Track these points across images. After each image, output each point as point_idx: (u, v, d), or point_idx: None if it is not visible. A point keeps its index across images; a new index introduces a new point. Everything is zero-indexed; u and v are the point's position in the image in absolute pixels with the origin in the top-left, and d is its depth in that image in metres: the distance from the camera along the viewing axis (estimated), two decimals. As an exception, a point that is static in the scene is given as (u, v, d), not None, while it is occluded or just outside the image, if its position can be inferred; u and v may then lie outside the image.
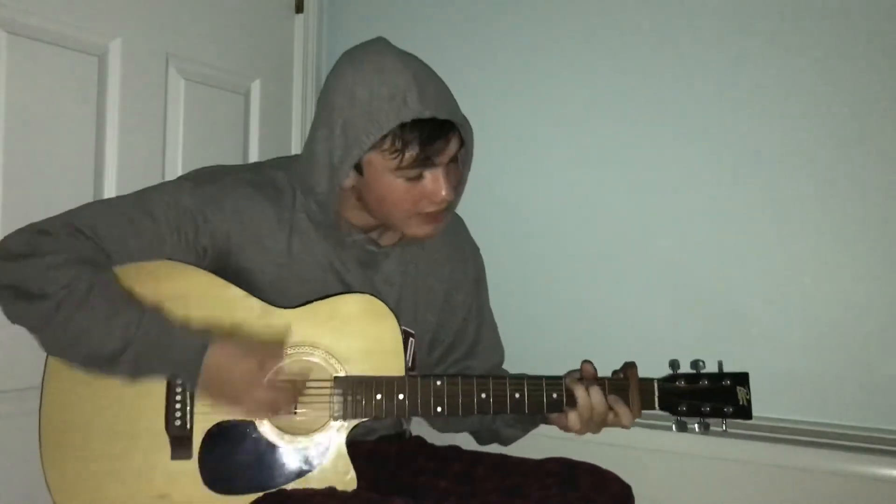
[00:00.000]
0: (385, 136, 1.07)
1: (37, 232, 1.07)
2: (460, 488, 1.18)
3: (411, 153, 1.07)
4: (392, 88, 1.06)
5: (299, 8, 1.89)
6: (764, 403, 1.47)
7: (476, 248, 1.40)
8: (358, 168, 1.12)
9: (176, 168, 1.58)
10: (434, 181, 1.11)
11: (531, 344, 1.64)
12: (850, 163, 1.44)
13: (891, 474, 1.33)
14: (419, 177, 1.11)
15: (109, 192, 1.44)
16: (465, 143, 1.16)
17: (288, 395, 1.09)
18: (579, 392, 1.14)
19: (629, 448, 1.46)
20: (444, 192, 1.11)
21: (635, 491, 1.14)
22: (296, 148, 1.89)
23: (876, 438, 1.40)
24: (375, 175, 1.11)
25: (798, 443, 1.42)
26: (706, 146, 1.55)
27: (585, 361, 1.21)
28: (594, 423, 1.15)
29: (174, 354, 1.04)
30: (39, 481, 1.08)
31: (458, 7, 1.81)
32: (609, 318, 1.64)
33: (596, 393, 1.14)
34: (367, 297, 1.15)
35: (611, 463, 1.16)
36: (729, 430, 1.46)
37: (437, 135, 1.08)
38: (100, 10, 1.41)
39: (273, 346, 1.09)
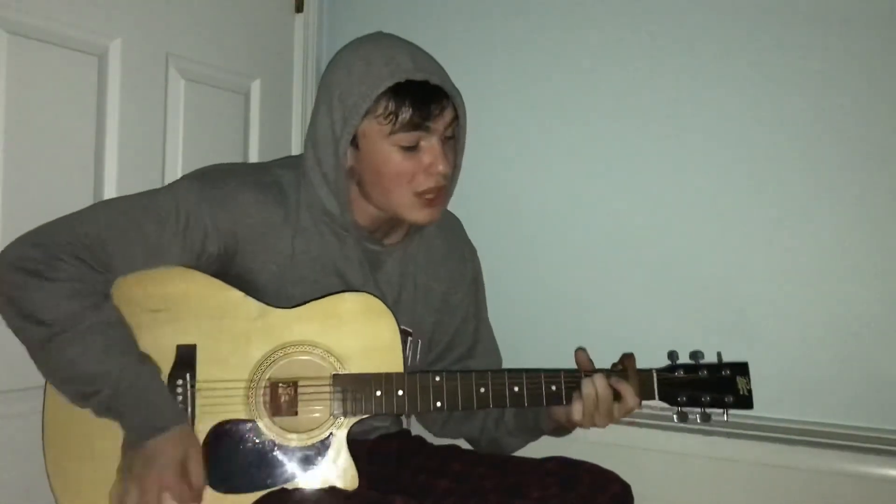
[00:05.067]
0: (379, 100, 1.09)
1: (45, 251, 1.05)
2: (461, 487, 1.18)
3: (405, 115, 1.09)
4: (387, 57, 1.10)
5: (299, 8, 1.89)
6: (764, 403, 1.47)
7: (473, 250, 1.40)
8: (355, 144, 1.13)
9: (176, 168, 1.57)
10: (430, 152, 1.11)
11: (530, 340, 1.64)
12: (850, 162, 1.44)
13: (891, 474, 1.33)
14: (415, 147, 1.11)
15: (109, 191, 1.44)
16: (459, 118, 1.16)
17: None
18: (583, 381, 1.13)
19: (629, 448, 1.46)
20: (441, 165, 1.11)
21: (635, 491, 1.14)
22: (296, 148, 1.89)
23: (876, 438, 1.40)
24: (371, 146, 1.12)
25: (798, 443, 1.42)
26: (707, 144, 1.56)
27: (579, 349, 1.20)
28: (601, 414, 1.14)
29: (133, 419, 1.04)
30: (40, 481, 1.08)
31: (458, 6, 1.81)
32: (608, 317, 1.64)
33: (599, 380, 1.14)
34: (365, 295, 1.15)
35: (611, 463, 1.16)
36: (729, 429, 1.47)
37: (431, 98, 1.10)
38: (100, 10, 1.41)
39: (199, 483, 1.06)
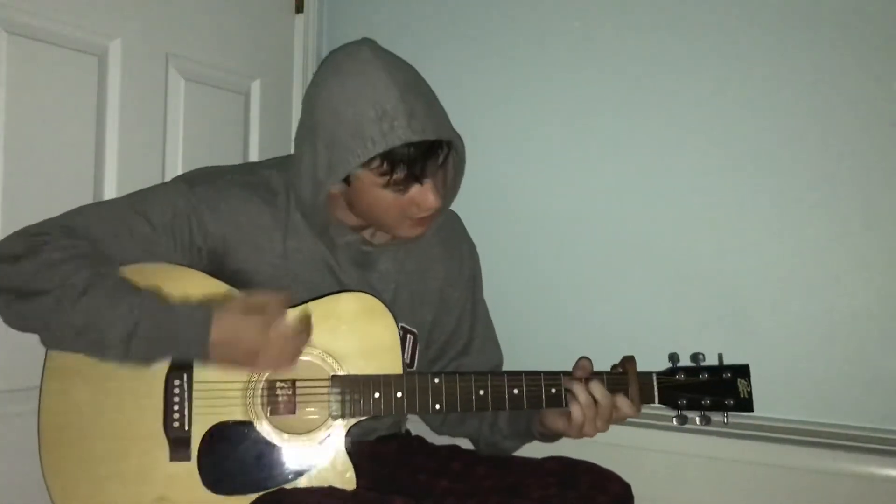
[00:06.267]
0: (373, 157, 1.06)
1: (32, 234, 1.07)
2: (460, 487, 1.18)
3: (399, 175, 1.07)
4: (379, 109, 1.04)
5: (299, 8, 1.89)
6: (764, 403, 1.46)
7: (472, 246, 1.40)
8: (345, 179, 1.11)
9: (176, 168, 1.57)
10: (422, 192, 1.10)
11: (530, 340, 1.64)
12: (851, 162, 1.44)
13: (891, 474, 1.33)
14: (408, 189, 1.10)
15: (109, 191, 1.44)
16: (457, 152, 1.15)
17: (296, 343, 1.08)
18: (578, 389, 1.13)
19: (629, 448, 1.46)
20: (432, 202, 1.10)
21: (635, 491, 1.14)
22: (296, 148, 1.89)
23: (876, 438, 1.40)
24: (363, 188, 1.11)
25: (798, 443, 1.42)
26: (707, 144, 1.55)
27: (582, 358, 1.20)
28: (601, 419, 1.13)
29: (181, 330, 1.03)
30: (39, 481, 1.08)
31: (456, 6, 1.81)
32: (608, 318, 1.64)
33: (596, 387, 1.13)
34: (363, 295, 1.15)
35: (611, 463, 1.16)
36: (729, 430, 1.47)
37: (427, 154, 1.07)
38: (100, 10, 1.41)
39: (273, 302, 1.08)
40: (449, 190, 1.20)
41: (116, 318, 1.01)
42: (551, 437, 1.24)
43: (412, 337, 1.27)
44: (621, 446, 1.42)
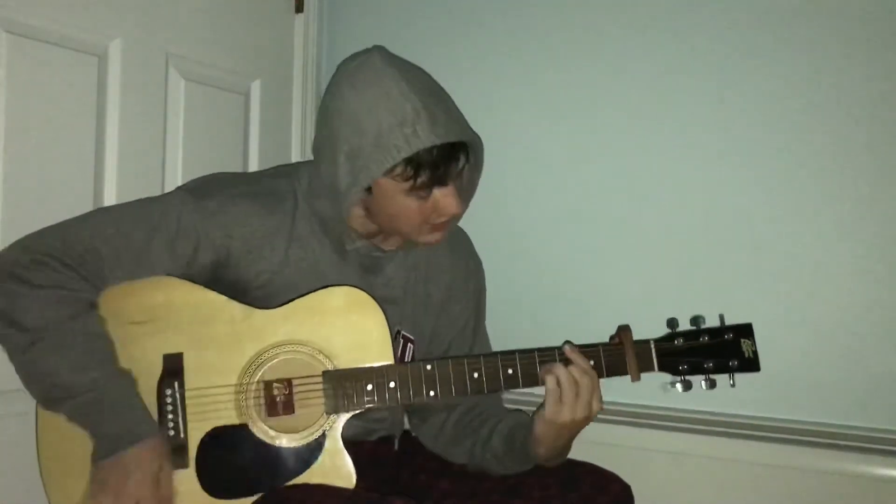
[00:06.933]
0: (396, 164, 1.06)
1: (33, 257, 1.06)
2: (461, 487, 1.18)
3: (423, 178, 1.07)
4: (400, 116, 1.05)
5: (299, 8, 1.89)
6: (764, 403, 1.47)
7: (479, 263, 1.39)
8: (367, 188, 1.11)
9: (176, 168, 1.57)
10: (445, 197, 1.11)
11: (527, 321, 1.64)
12: (851, 161, 1.44)
13: (891, 474, 1.33)
14: (430, 194, 1.11)
15: (109, 192, 1.44)
16: (476, 154, 1.16)
17: None
18: (559, 371, 1.08)
19: (629, 448, 1.46)
20: (454, 207, 1.11)
21: (635, 491, 1.14)
22: (296, 148, 1.89)
23: (876, 438, 1.40)
24: (386, 195, 1.11)
25: (798, 443, 1.42)
26: (706, 143, 1.55)
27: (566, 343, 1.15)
28: (586, 396, 1.07)
29: (108, 427, 1.03)
30: (39, 481, 1.08)
31: (457, 6, 1.81)
32: (608, 314, 1.64)
33: (575, 368, 1.08)
34: (351, 289, 1.13)
35: (611, 463, 1.16)
36: (729, 430, 1.47)
37: (449, 158, 1.08)
38: (100, 10, 1.41)
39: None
40: (466, 192, 1.19)
41: (74, 382, 1.02)
42: (548, 451, 1.15)
43: (412, 346, 1.26)
44: (621, 446, 1.43)
